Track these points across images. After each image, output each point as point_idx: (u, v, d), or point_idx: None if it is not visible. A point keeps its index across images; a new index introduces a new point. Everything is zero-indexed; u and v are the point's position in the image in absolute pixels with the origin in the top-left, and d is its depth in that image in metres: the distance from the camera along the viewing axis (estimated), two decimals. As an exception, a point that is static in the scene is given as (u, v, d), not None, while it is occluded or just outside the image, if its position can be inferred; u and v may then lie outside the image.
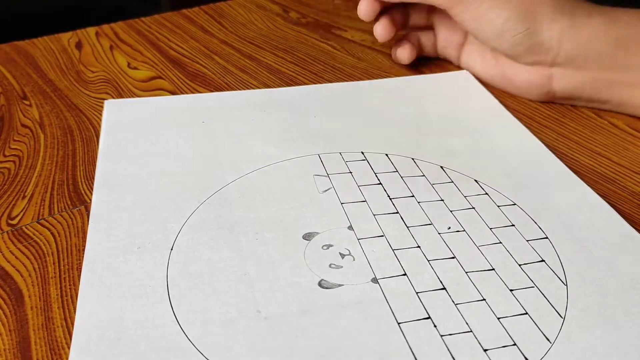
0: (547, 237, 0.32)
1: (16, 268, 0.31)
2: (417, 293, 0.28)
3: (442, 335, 0.26)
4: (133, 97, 0.49)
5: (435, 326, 0.27)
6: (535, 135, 0.41)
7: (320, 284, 0.29)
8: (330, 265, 0.30)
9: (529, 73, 0.45)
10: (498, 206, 0.34)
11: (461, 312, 0.27)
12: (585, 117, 0.44)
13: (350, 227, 0.33)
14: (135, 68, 0.54)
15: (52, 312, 0.29)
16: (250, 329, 0.27)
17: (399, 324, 0.27)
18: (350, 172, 0.37)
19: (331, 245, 0.31)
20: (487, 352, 0.26)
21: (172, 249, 0.31)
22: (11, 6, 1.67)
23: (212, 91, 0.50)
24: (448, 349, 0.26)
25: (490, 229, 0.33)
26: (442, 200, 0.35)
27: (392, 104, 0.45)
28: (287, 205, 0.34)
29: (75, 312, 0.28)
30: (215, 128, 0.42)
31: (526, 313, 0.28)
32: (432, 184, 0.36)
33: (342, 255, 0.31)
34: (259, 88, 0.49)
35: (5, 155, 0.41)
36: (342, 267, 0.30)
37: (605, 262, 0.30)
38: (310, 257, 0.31)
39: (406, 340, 0.26)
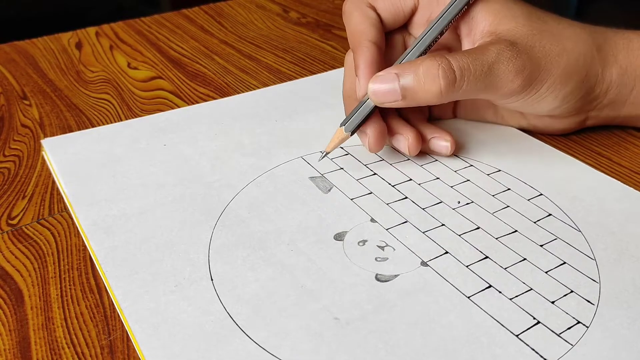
0: (541, 194, 0.35)
1: (16, 268, 0.31)
2: (467, 267, 0.30)
3: (510, 299, 0.28)
4: (133, 97, 0.48)
5: (500, 292, 0.28)
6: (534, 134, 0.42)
7: (377, 279, 0.29)
8: (376, 259, 0.30)
9: (564, 124, 0.40)
10: (487, 174, 0.37)
11: (513, 274, 0.29)
12: None
13: (373, 220, 0.33)
14: (135, 68, 0.53)
15: (52, 312, 0.28)
16: (339, 337, 0.26)
17: (468, 297, 0.28)
18: (342, 168, 0.38)
19: (366, 241, 0.32)
20: (554, 303, 0.28)
21: (212, 279, 0.29)
22: (11, 6, 1.64)
23: (212, 91, 0.49)
24: (523, 309, 0.27)
25: (493, 195, 0.35)
26: (438, 178, 0.37)
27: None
28: (301, 211, 0.34)
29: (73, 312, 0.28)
30: (181, 149, 0.39)
31: (565, 262, 0.30)
32: (420, 165, 0.38)
33: (382, 248, 0.31)
34: (259, 88, 0.49)
35: (5, 155, 0.41)
36: (387, 258, 0.31)
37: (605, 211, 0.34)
38: (352, 255, 0.31)
39: (485, 311, 0.27)
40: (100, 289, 0.30)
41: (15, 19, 1.62)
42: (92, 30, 0.61)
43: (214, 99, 0.47)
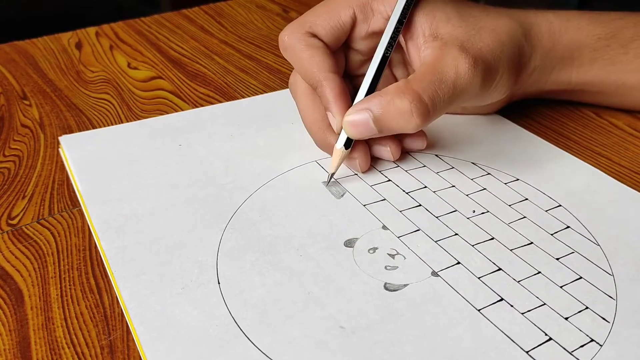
0: (560, 205, 0.34)
1: (16, 268, 0.31)
2: (478, 278, 0.29)
3: (522, 313, 0.27)
4: (133, 97, 0.48)
5: (512, 306, 0.28)
6: (535, 135, 0.41)
7: (386, 288, 0.29)
8: (386, 268, 0.30)
9: (493, 106, 0.42)
10: (505, 183, 0.36)
11: (527, 288, 0.29)
12: (585, 117, 0.44)
13: (385, 227, 0.33)
14: (135, 68, 0.53)
15: (52, 312, 0.28)
16: (344, 346, 0.26)
17: (479, 310, 0.27)
18: (356, 174, 0.37)
19: (376, 248, 0.31)
20: (568, 319, 0.27)
21: (219, 283, 0.29)
22: (11, 6, 1.67)
23: (212, 91, 0.49)
24: (535, 325, 0.27)
25: (509, 205, 0.34)
26: (454, 186, 0.36)
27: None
28: (312, 216, 0.33)
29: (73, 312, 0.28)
30: (196, 150, 0.39)
31: (581, 277, 0.29)
32: (436, 173, 0.37)
33: (392, 256, 0.31)
34: (259, 88, 0.49)
35: (5, 155, 0.41)
36: (397, 267, 0.30)
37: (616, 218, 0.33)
38: (362, 263, 0.30)
39: (495, 325, 0.27)
40: (100, 289, 0.30)
41: (15, 19, 1.64)
42: (92, 30, 0.61)
43: (214, 99, 0.47)
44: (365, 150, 0.37)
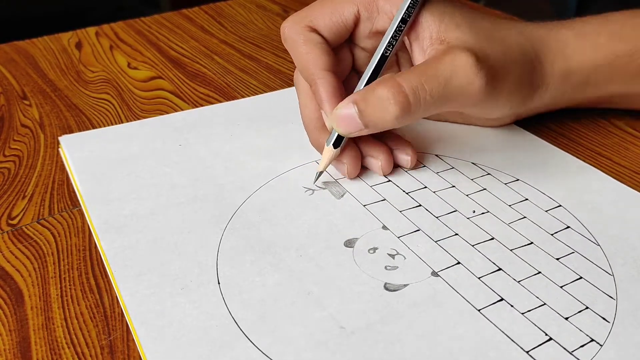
0: (560, 205, 0.34)
1: (16, 268, 0.31)
2: (479, 278, 0.29)
3: (522, 313, 0.27)
4: (133, 97, 0.48)
5: (512, 306, 0.28)
6: (535, 135, 0.41)
7: (386, 288, 0.29)
8: (386, 268, 0.30)
9: (500, 121, 0.41)
10: (505, 183, 0.36)
11: (527, 288, 0.29)
12: (585, 117, 0.43)
13: (385, 227, 0.33)
14: (135, 68, 0.53)
15: (52, 312, 0.28)
16: (343, 347, 0.26)
17: (479, 310, 0.27)
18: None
19: (376, 248, 0.31)
20: (568, 319, 0.27)
21: (219, 283, 0.29)
22: (11, 6, 1.67)
23: (212, 91, 0.49)
24: (535, 325, 0.27)
25: (509, 205, 0.34)
26: (454, 186, 0.36)
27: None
28: (312, 217, 0.33)
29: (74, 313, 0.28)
30: (196, 150, 0.39)
31: (581, 277, 0.29)
32: (436, 173, 0.37)
33: (392, 256, 0.31)
34: (259, 88, 0.49)
35: (5, 155, 0.41)
36: (397, 267, 0.30)
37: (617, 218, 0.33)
38: (362, 263, 0.30)
39: (495, 325, 0.27)
40: (100, 289, 0.30)
41: (15, 19, 1.63)
42: (92, 30, 0.61)
43: (214, 99, 0.47)
44: (355, 157, 0.36)
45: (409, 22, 0.35)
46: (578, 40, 0.38)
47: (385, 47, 0.35)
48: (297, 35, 0.36)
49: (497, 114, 0.38)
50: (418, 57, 0.36)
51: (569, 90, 0.39)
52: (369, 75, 0.35)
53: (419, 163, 0.38)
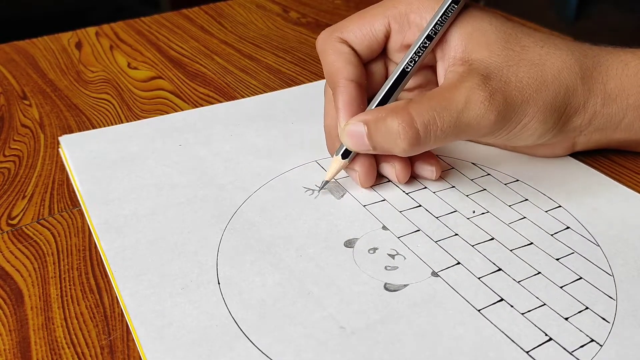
0: (560, 206, 0.34)
1: (16, 268, 0.31)
2: (479, 278, 0.29)
3: (522, 314, 0.27)
4: (133, 97, 0.48)
5: (512, 306, 0.28)
6: None
7: (386, 288, 0.29)
8: (386, 268, 0.30)
9: (551, 151, 0.38)
10: (505, 184, 0.36)
11: (527, 288, 0.29)
12: None
13: (385, 227, 0.33)
14: (135, 68, 0.53)
15: (52, 312, 0.28)
16: (344, 346, 0.26)
17: (479, 310, 0.27)
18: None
19: (376, 249, 0.31)
20: (568, 319, 0.27)
21: (219, 283, 0.29)
22: (11, 6, 1.68)
23: (212, 91, 0.49)
24: (535, 325, 0.27)
25: (509, 206, 0.34)
26: (454, 186, 0.36)
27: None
28: (312, 217, 0.33)
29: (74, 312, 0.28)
30: (197, 150, 0.39)
31: (581, 278, 0.29)
32: (436, 173, 0.37)
33: (392, 256, 0.31)
34: (259, 88, 0.49)
35: (5, 155, 0.41)
36: (397, 267, 0.30)
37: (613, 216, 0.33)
38: (362, 263, 0.30)
39: (495, 325, 0.27)
40: (100, 289, 0.30)
41: (15, 19, 1.64)
42: (92, 30, 0.61)
43: (214, 99, 0.47)
44: (368, 165, 0.35)
45: (435, 39, 0.34)
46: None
47: (407, 63, 0.34)
48: (327, 45, 0.36)
49: (519, 142, 0.35)
50: (440, 76, 0.35)
51: (627, 114, 0.35)
52: (385, 91, 0.34)
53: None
